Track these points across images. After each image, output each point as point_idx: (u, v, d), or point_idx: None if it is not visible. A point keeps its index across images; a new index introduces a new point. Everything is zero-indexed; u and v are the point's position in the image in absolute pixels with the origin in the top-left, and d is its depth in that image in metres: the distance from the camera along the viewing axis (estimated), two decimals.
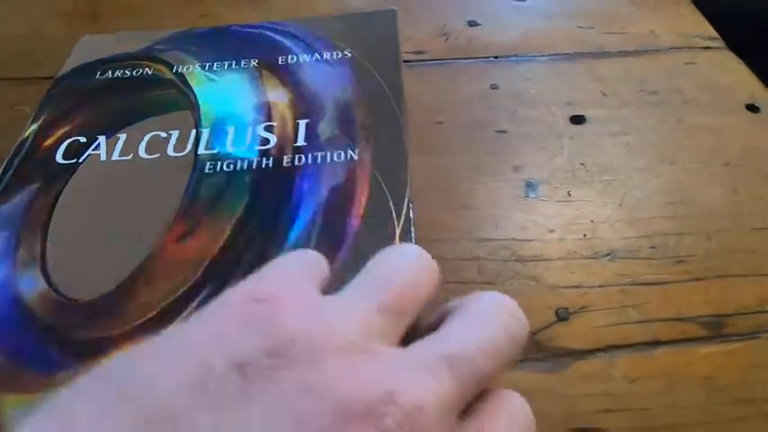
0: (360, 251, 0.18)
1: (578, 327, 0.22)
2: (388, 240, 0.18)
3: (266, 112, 0.22)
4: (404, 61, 0.33)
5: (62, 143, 0.22)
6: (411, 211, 0.19)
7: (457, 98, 0.32)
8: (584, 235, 0.25)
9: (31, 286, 0.17)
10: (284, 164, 0.21)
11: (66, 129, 0.23)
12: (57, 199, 0.20)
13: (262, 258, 0.17)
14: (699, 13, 0.38)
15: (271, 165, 0.20)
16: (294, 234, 0.18)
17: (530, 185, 0.27)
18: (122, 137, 0.22)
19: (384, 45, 0.26)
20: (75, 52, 0.28)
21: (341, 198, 0.19)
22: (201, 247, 0.17)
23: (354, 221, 0.19)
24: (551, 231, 0.25)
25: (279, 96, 0.23)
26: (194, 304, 0.16)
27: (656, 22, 0.37)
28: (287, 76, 0.24)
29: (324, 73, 0.24)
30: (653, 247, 0.25)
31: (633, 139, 0.30)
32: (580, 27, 0.37)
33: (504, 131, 0.30)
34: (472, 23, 0.37)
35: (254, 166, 0.20)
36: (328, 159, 0.21)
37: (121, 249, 0.17)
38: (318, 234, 0.18)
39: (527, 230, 0.25)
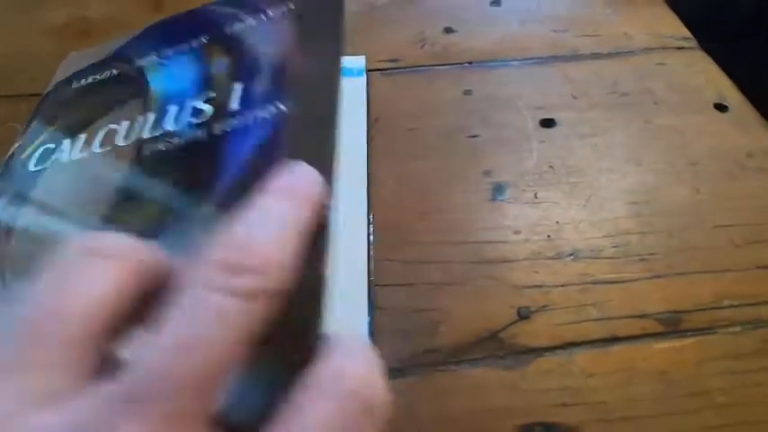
0: None
1: (539, 325, 0.23)
2: None
3: (207, 84, 0.23)
4: (378, 69, 0.35)
5: (35, 152, 0.23)
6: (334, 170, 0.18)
7: (431, 104, 0.32)
8: (549, 236, 0.26)
9: None
10: (215, 132, 0.20)
11: (42, 138, 0.24)
12: (26, 202, 0.21)
13: (185, 235, 0.17)
14: (673, 15, 0.39)
15: (204, 135, 0.20)
16: (215, 199, 0.18)
17: (498, 188, 0.28)
18: (83, 136, 0.23)
19: None
20: (62, 68, 0.30)
21: (263, 156, 0.19)
22: (129, 231, 0.18)
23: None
24: (517, 233, 0.26)
25: (221, 66, 0.23)
26: None
27: (630, 24, 0.38)
28: (231, 44, 0.24)
29: (264, 32, 0.24)
30: (615, 247, 0.26)
31: (601, 141, 0.30)
32: (554, 31, 0.38)
33: (475, 136, 0.31)
34: (448, 30, 0.38)
35: (187, 140, 0.20)
36: (257, 118, 0.20)
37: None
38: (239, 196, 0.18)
39: (493, 232, 0.26)
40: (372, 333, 0.22)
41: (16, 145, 0.24)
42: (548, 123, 0.31)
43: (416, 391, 0.21)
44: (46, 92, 0.28)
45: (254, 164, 0.19)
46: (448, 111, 0.32)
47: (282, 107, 0.20)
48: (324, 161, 0.17)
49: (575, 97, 0.33)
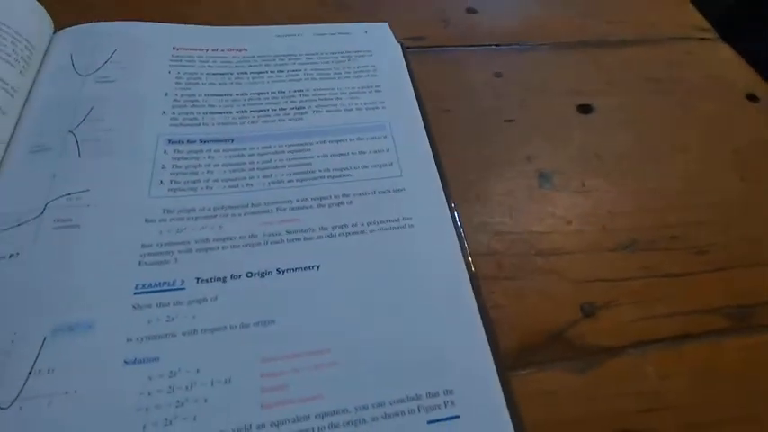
0: None
1: (606, 322, 0.21)
2: None
3: None
4: (404, 47, 0.32)
5: None
6: None
7: (462, 86, 0.30)
8: (604, 226, 0.24)
9: None
10: None
11: None
12: None
13: None
14: (690, 5, 0.38)
15: None
16: None
17: (543, 176, 0.26)
18: None
19: None
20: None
21: None
22: None
23: None
24: (569, 223, 0.24)
25: None
26: None
27: (651, 12, 0.37)
28: None
29: None
30: (673, 237, 0.24)
31: (642, 128, 0.29)
32: (578, 16, 0.36)
33: (512, 120, 0.29)
34: (471, 10, 0.35)
35: None
36: None
37: None
38: None
39: (544, 222, 0.24)
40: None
41: None
42: (585, 109, 0.30)
43: None
44: None
45: None
46: (481, 93, 0.30)
47: None
48: None
49: (609, 83, 0.31)
